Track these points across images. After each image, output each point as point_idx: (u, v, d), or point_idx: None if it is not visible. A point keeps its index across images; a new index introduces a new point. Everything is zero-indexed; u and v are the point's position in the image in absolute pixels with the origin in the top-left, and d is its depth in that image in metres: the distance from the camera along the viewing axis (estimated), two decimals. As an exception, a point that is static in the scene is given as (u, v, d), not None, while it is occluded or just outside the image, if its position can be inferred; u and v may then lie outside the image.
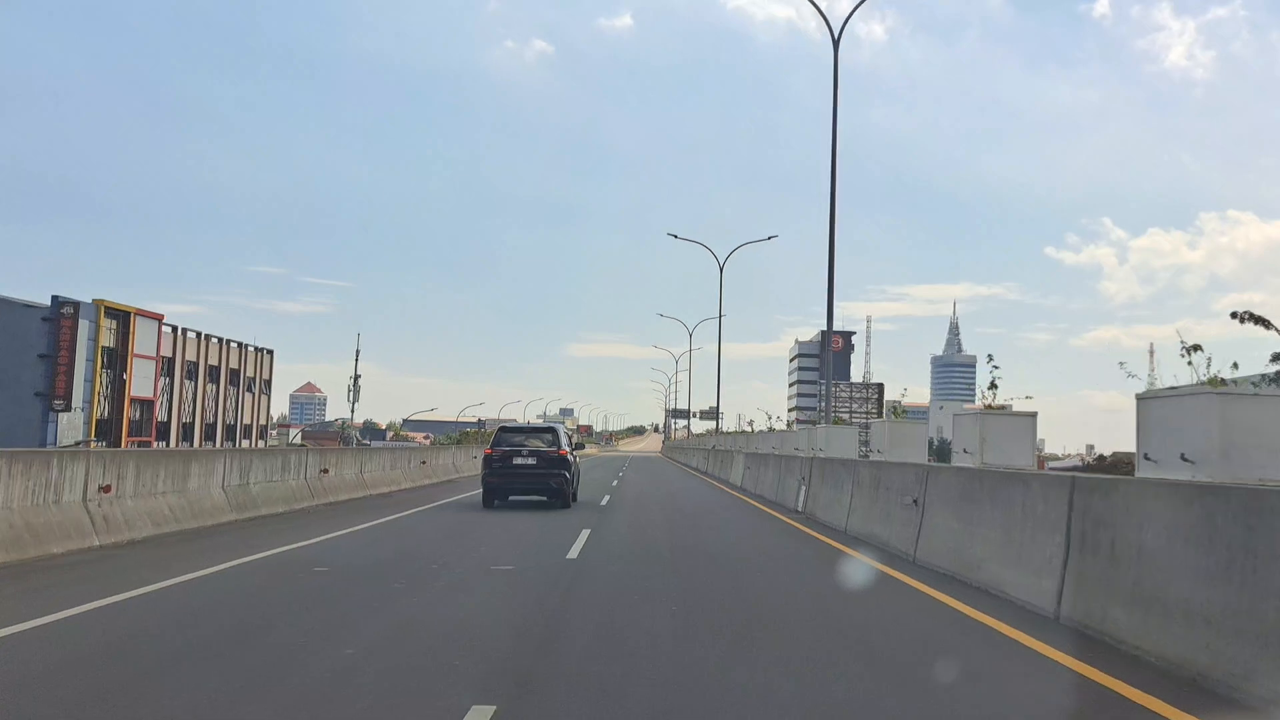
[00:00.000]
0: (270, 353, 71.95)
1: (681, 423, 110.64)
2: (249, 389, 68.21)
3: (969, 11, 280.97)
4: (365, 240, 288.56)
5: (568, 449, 18.45)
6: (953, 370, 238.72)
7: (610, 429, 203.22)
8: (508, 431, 18.74)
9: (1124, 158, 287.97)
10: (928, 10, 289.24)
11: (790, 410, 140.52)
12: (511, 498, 18.42)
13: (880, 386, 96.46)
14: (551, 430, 18.58)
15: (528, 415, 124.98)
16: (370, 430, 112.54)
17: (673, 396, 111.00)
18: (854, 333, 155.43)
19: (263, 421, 72.04)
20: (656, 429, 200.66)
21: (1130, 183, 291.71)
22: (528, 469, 17.81)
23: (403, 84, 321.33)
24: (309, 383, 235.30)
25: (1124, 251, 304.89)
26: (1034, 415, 10.50)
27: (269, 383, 72.40)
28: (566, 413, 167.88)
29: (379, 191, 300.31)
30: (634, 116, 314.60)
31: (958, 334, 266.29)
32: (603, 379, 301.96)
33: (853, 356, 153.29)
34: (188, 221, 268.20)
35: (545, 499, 17.93)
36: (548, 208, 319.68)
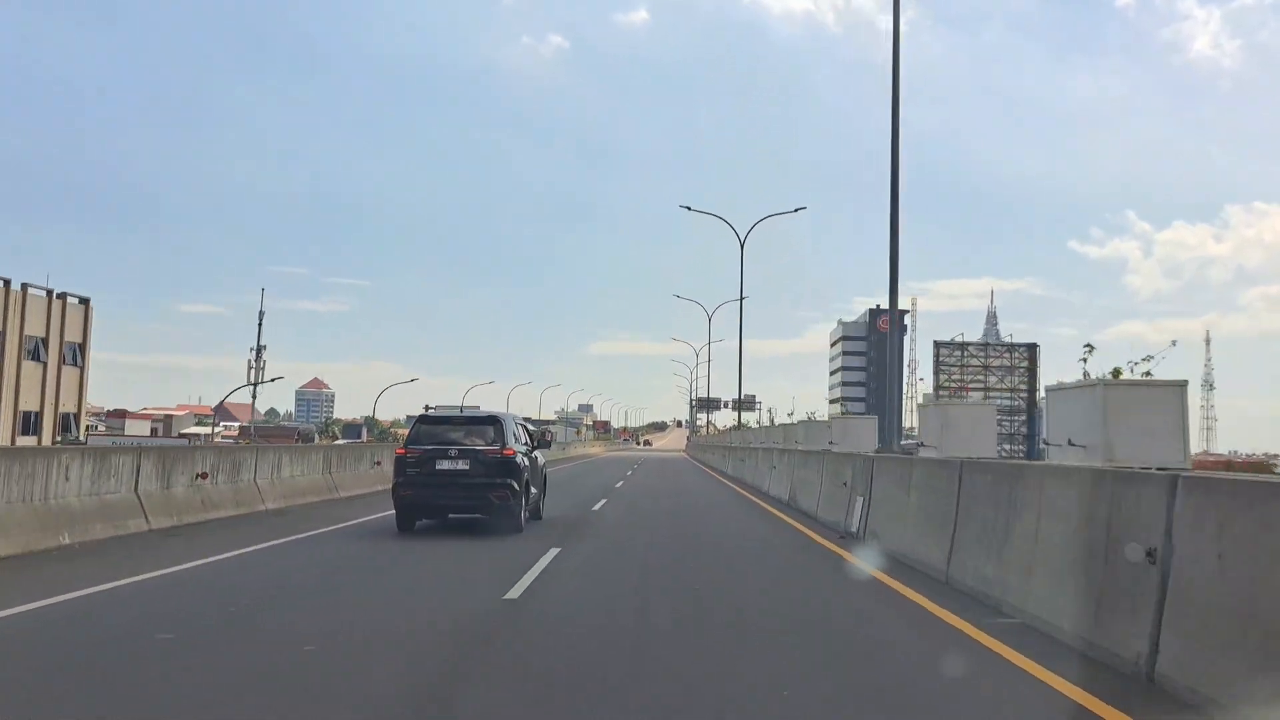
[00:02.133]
0: (84, 303, 51.70)
1: (709, 415, 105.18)
2: (35, 356, 48.08)
3: (990, 3, 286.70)
4: (385, 239, 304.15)
5: (516, 448, 13.88)
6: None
7: (629, 425, 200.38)
8: (430, 423, 14.15)
9: (1148, 149, 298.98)
10: (948, 2, 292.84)
11: (832, 403, 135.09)
12: (451, 516, 14.29)
13: (1032, 348, 63.63)
14: (494, 421, 13.93)
15: (510, 404, 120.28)
16: (353, 429, 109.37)
17: (698, 385, 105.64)
18: (907, 311, 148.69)
19: (70, 407, 50.76)
20: (679, 424, 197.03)
21: (1154, 175, 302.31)
22: (457, 476, 13.46)
23: (418, 82, 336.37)
24: (315, 378, 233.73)
25: (1149, 245, 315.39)
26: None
27: (82, 348, 51.72)
28: (585, 409, 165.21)
29: (397, 190, 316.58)
30: (650, 111, 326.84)
31: (995, 324, 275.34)
32: (623, 376, 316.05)
33: (905, 340, 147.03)
34: (209, 222, 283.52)
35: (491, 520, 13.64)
36: (564, 205, 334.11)
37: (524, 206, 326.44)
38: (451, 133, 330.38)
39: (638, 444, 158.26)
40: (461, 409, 15.23)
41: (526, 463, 14.33)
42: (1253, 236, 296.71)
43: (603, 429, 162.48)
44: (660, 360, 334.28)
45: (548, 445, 16.77)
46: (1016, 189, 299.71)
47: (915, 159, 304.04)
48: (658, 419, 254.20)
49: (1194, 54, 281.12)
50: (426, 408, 15.45)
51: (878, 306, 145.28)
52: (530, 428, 16.05)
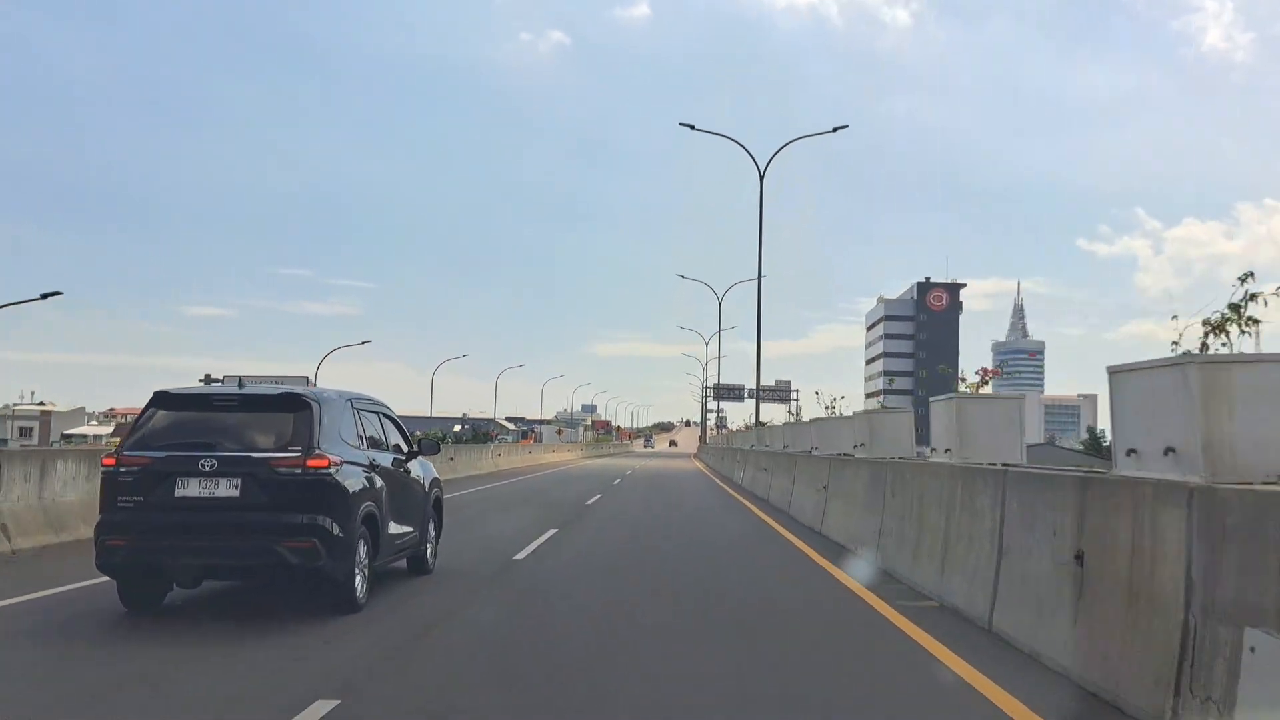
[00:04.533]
0: None
1: (722, 409, 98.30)
2: None
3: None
4: (389, 240, 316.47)
5: (339, 454, 8.00)
6: (1018, 357, 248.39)
7: (635, 425, 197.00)
8: (174, 407, 8.28)
9: (1158, 145, 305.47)
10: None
11: (869, 395, 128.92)
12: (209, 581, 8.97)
13: None
14: (295, 406, 7.95)
15: (434, 391, 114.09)
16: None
17: (713, 373, 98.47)
18: (964, 284, 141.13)
19: None
20: (688, 423, 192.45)
21: (1164, 171, 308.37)
22: (217, 508, 7.61)
23: (418, 81, 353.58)
24: (303, 377, 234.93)
25: (1159, 243, 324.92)
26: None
27: None
28: (589, 409, 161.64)
29: (399, 189, 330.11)
30: (650, 109, 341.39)
31: (1023, 317, 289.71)
32: (627, 377, 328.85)
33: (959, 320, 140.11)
34: (210, 224, 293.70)
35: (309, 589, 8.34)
36: (566, 203, 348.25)
37: (526, 205, 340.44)
38: (451, 131, 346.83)
39: (645, 445, 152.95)
40: (241, 382, 9.12)
41: (377, 482, 8.43)
42: (1264, 233, 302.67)
43: (602, 429, 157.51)
44: (666, 361, 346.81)
45: (435, 449, 10.85)
46: (1022, 185, 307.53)
47: (918, 155, 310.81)
48: (664, 419, 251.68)
49: (1205, 47, 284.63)
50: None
51: (927, 279, 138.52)
52: (398, 420, 10.18)
